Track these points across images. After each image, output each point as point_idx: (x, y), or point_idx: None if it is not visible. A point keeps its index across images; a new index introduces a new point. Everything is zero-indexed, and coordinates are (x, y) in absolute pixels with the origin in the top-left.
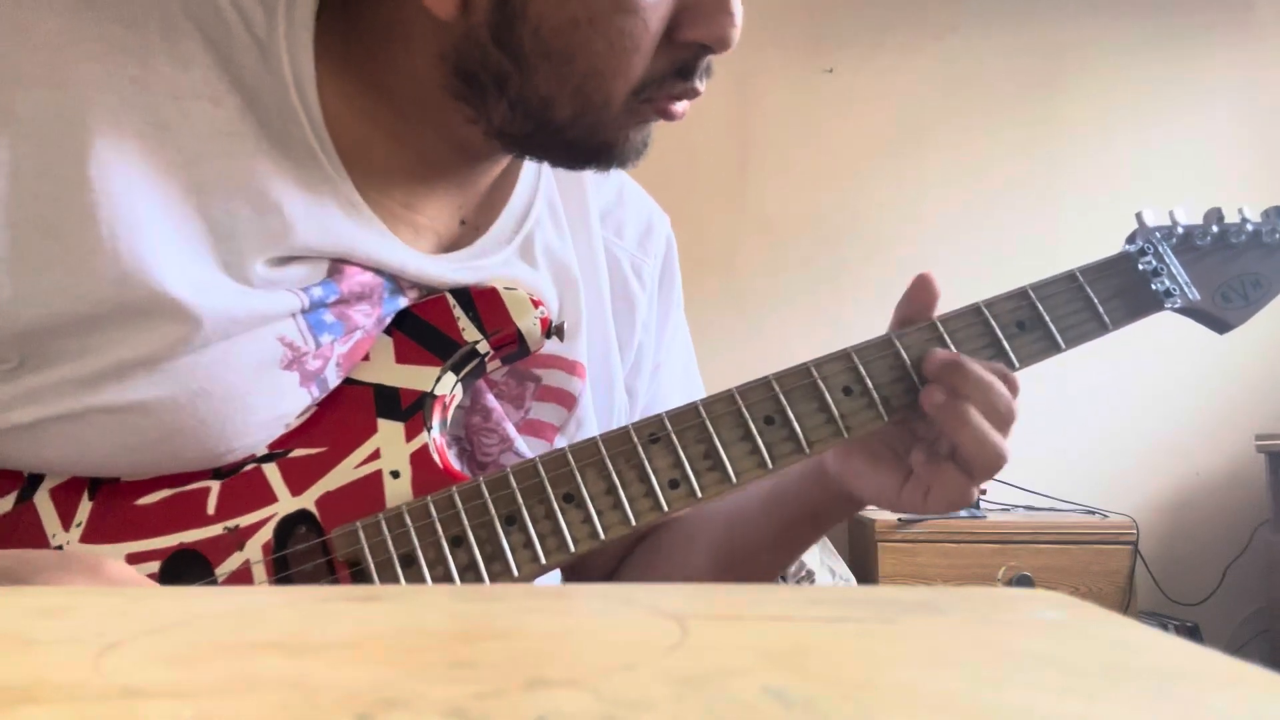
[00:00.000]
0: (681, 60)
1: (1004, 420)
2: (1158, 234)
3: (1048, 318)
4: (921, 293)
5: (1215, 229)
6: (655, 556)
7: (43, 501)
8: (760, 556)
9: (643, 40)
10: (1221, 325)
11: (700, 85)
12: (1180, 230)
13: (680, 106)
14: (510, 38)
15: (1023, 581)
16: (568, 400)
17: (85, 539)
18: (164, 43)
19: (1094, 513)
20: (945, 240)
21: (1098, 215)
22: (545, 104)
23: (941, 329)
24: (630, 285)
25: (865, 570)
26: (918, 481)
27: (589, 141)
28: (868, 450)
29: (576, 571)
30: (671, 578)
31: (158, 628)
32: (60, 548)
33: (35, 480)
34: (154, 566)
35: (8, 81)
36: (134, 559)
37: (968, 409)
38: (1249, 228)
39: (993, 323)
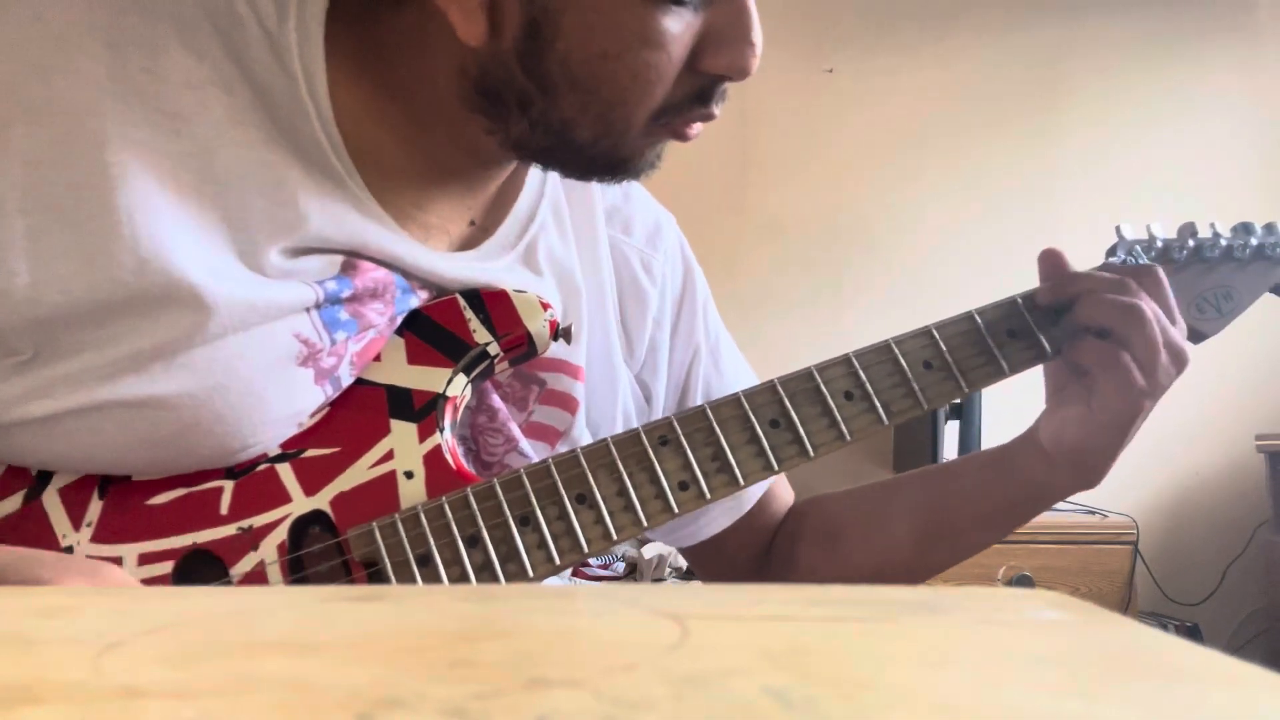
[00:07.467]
0: (700, 87)
1: (1171, 313)
2: (1138, 247)
3: (1034, 327)
4: (1053, 265)
5: (1191, 243)
6: (836, 539)
7: (51, 501)
8: (970, 534)
9: (666, 72)
10: (1197, 336)
11: (717, 111)
12: (1159, 244)
13: (694, 129)
14: (538, 65)
15: (1023, 581)
16: (571, 404)
17: (96, 539)
18: (178, 33)
19: (1094, 512)
20: (946, 241)
21: (1098, 217)
22: (566, 125)
23: (937, 335)
24: (640, 281)
25: None
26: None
27: (606, 159)
28: (1074, 411)
29: (711, 559)
30: (866, 559)
31: (158, 628)
32: (70, 548)
33: (44, 479)
34: (168, 567)
35: (25, 70)
36: (147, 559)
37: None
38: (1222, 242)
39: (984, 332)
